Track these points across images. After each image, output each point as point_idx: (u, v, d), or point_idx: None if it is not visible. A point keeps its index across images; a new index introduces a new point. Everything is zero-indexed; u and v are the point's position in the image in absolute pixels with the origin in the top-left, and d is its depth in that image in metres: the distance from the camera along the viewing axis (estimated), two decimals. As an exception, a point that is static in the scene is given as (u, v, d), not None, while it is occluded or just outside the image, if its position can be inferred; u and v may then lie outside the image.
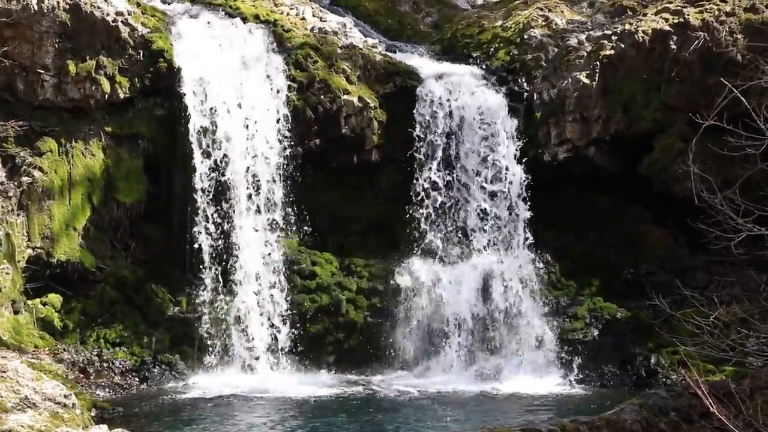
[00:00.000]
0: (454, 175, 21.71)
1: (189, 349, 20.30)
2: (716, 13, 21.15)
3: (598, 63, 21.61)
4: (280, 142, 21.19)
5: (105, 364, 19.52)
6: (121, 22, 20.66)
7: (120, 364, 19.62)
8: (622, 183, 21.81)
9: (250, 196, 20.88)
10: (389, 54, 23.01)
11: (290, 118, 21.33)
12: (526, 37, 22.77)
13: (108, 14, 20.57)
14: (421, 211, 21.59)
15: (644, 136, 21.55)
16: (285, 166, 21.19)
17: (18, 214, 19.57)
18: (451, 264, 21.45)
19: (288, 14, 22.91)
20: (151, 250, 21.19)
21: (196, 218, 20.52)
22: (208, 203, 20.59)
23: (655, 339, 19.59)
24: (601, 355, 20.35)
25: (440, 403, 18.45)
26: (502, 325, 20.91)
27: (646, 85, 21.53)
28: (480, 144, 21.76)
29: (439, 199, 21.62)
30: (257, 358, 20.53)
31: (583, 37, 22.23)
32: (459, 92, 21.98)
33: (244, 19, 22.33)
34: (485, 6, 26.18)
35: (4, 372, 14.77)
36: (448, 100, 21.90)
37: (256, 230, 20.88)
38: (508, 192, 21.56)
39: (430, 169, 21.63)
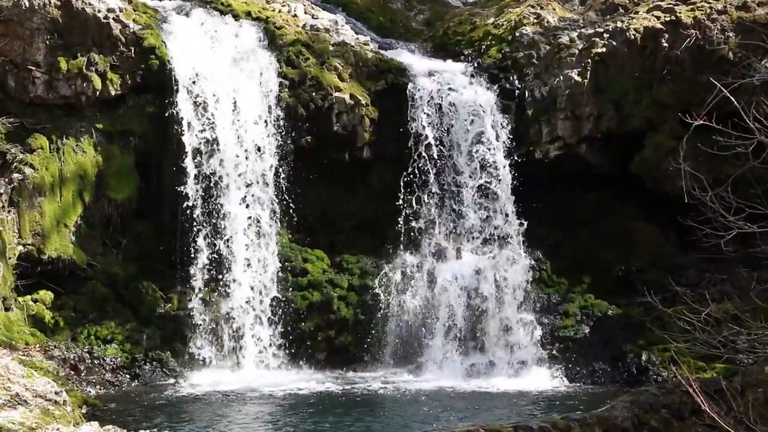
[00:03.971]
0: (446, 173, 21.71)
1: (180, 346, 20.30)
2: (708, 11, 21.17)
3: (589, 61, 21.63)
4: (272, 139, 21.18)
5: (96, 361, 19.51)
6: (113, 18, 20.62)
7: (111, 361, 19.62)
8: (613, 180, 21.84)
9: (241, 193, 20.86)
10: (381, 51, 23.02)
11: (282, 115, 21.32)
12: (517, 34, 22.78)
13: (99, 11, 20.53)
14: (412, 208, 21.59)
15: (635, 133, 21.59)
16: (276, 163, 21.17)
17: (9, 211, 19.53)
18: (442, 261, 21.45)
19: (280, 11, 22.89)
20: (142, 247, 21.17)
21: (187, 215, 20.50)
22: (199, 200, 20.56)
23: (646, 336, 19.62)
24: (592, 353, 20.38)
25: (432, 401, 18.45)
26: (493, 323, 20.92)
27: (637, 83, 21.56)
28: (471, 141, 21.77)
29: (430, 196, 21.62)
30: (248, 356, 20.53)
31: (574, 34, 22.25)
32: (451, 89, 21.98)
33: (236, 16, 22.31)
34: (477, 3, 26.20)
35: (-5, 369, 14.75)
36: (440, 97, 21.89)
37: (247, 227, 20.87)
38: (500, 189, 21.56)
39: (421, 166, 21.63)
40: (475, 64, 22.80)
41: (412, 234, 21.62)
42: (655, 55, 21.31)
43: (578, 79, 21.56)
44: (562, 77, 21.70)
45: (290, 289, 21.12)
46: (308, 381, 19.84)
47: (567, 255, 21.80)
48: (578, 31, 22.36)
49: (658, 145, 21.07)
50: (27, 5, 19.99)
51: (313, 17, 23.12)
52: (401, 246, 21.60)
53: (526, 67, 22.38)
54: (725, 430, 9.72)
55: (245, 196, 20.89)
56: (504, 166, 21.60)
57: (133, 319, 20.35)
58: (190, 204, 20.49)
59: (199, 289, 20.55)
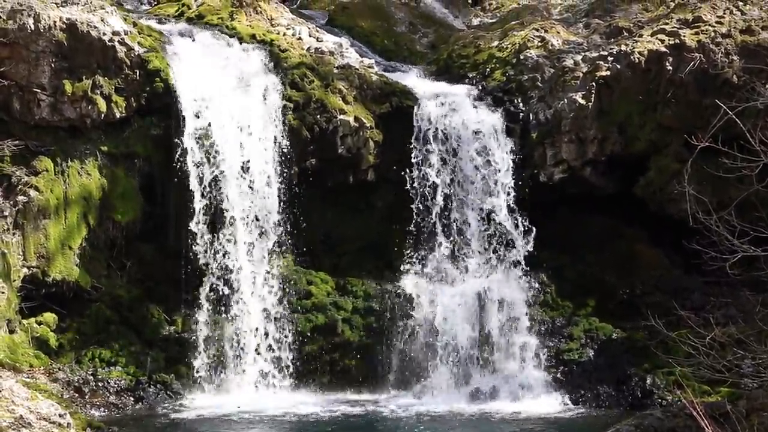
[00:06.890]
0: (450, 195, 21.70)
1: (184, 368, 20.27)
2: (712, 34, 21.19)
3: (593, 84, 21.62)
4: (276, 161, 21.19)
5: (100, 384, 19.48)
6: (118, 41, 20.67)
7: (115, 383, 19.58)
8: (617, 203, 21.81)
9: (245, 216, 20.87)
10: (385, 74, 23.02)
11: (286, 137, 21.33)
12: (522, 57, 22.79)
13: (104, 34, 20.59)
14: (416, 230, 21.58)
15: (640, 156, 21.57)
16: (280, 186, 21.18)
17: (13, 234, 19.55)
18: (446, 284, 21.41)
19: (284, 34, 22.93)
20: (146, 269, 21.16)
21: (191, 237, 20.51)
22: (203, 222, 20.58)
23: (651, 360, 19.55)
24: (597, 376, 20.31)
25: (435, 424, 18.42)
26: (498, 346, 20.87)
27: (641, 106, 21.54)
28: (475, 164, 21.76)
29: (434, 219, 21.61)
30: (252, 378, 20.51)
31: (579, 57, 22.26)
32: (455, 112, 21.99)
33: (241, 39, 22.36)
34: (481, 26, 26.23)
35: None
36: (444, 120, 21.90)
37: (251, 249, 20.87)
38: (504, 212, 21.54)
39: (425, 189, 21.62)
40: (480, 87, 22.79)
41: (416, 256, 21.60)
42: (660, 79, 21.32)
43: (582, 102, 21.56)
44: (566, 100, 21.70)
45: (294, 311, 21.10)
46: (312, 404, 19.81)
47: (571, 278, 21.75)
48: (582, 54, 22.36)
49: (663, 168, 21.07)
50: (32, 28, 20.05)
51: (317, 40, 23.15)
52: (405, 268, 21.58)
53: (530, 90, 22.37)
54: (730, 454, 9.70)
55: (249, 218, 20.89)
56: (508, 189, 21.59)
57: (137, 342, 20.34)
58: (194, 226, 20.50)
59: (204, 311, 20.53)
